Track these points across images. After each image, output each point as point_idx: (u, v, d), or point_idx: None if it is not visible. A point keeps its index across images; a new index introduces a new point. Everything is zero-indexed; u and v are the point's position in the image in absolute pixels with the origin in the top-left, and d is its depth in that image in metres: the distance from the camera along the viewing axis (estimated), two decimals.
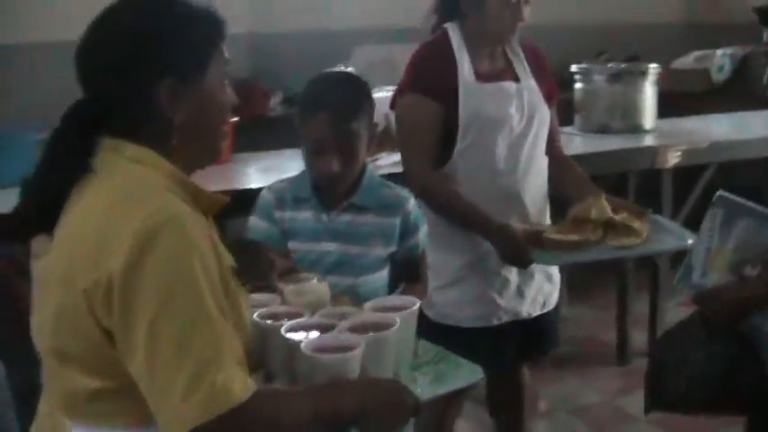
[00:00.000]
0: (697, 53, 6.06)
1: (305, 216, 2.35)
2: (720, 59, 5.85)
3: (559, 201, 2.80)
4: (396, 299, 1.87)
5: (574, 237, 2.52)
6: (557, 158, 2.87)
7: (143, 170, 1.48)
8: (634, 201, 3.88)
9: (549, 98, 2.81)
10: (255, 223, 2.39)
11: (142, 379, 1.36)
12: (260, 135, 4.42)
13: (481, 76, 2.71)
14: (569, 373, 4.20)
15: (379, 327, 1.68)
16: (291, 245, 2.32)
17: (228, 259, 1.53)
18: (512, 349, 2.84)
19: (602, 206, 2.55)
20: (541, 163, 2.81)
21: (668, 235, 2.59)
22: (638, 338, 4.47)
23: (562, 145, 2.96)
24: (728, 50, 5.87)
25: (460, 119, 2.66)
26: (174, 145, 1.51)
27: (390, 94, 4.16)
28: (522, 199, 2.73)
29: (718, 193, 2.11)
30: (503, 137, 2.68)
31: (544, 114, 2.77)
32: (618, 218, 2.55)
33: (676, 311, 4.45)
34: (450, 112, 2.66)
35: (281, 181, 2.46)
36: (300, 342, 1.61)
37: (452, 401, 2.79)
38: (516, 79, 2.75)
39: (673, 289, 2.21)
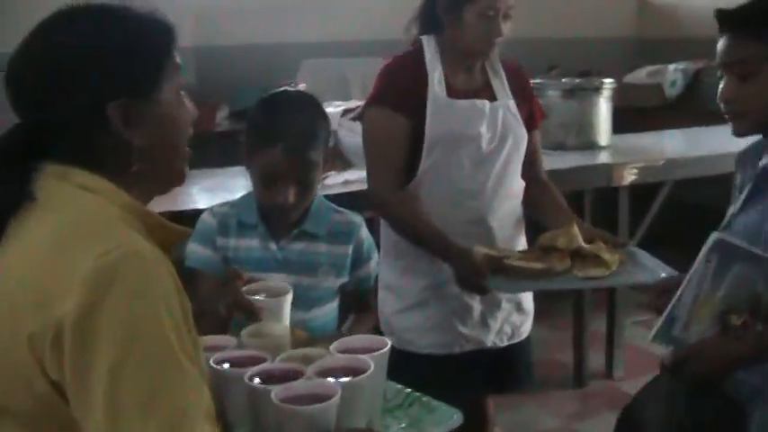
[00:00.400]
0: (649, 68, 6.04)
1: (251, 244, 2.22)
2: (673, 74, 5.83)
3: (539, 226, 2.65)
4: (362, 338, 1.72)
5: (538, 265, 2.35)
6: (534, 182, 2.72)
7: (94, 199, 1.31)
8: (590, 219, 3.80)
9: (529, 120, 2.68)
10: (194, 249, 2.25)
11: None
12: (205, 151, 4.22)
13: (454, 92, 2.56)
14: (526, 396, 4.07)
15: (351, 371, 1.53)
16: None
17: (187, 299, 1.38)
18: (475, 380, 2.70)
19: (571, 234, 2.40)
20: (514, 186, 2.66)
21: (640, 268, 2.40)
22: (596, 359, 4.40)
23: (543, 168, 2.81)
24: (681, 65, 5.86)
25: (426, 135, 2.51)
26: (134, 170, 1.35)
27: (339, 109, 4.09)
28: (488, 222, 2.58)
29: (714, 236, 1.90)
30: (469, 156, 2.54)
31: (519, 136, 2.62)
32: (588, 248, 2.39)
33: (632, 329, 4.44)
34: (418, 128, 2.52)
35: (224, 204, 2.33)
36: (270, 390, 1.45)
37: None
38: (493, 98, 2.61)
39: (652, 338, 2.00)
